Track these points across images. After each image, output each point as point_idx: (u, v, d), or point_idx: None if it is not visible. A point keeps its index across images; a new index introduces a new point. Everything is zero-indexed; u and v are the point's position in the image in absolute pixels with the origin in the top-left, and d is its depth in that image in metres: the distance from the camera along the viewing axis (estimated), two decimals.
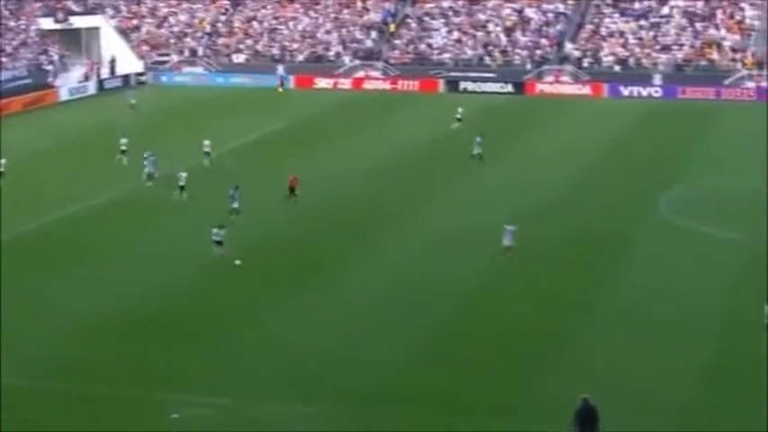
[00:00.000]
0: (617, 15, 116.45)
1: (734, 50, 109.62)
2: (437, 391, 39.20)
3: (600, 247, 56.41)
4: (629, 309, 47.66)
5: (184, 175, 65.53)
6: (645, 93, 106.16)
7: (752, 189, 68.22)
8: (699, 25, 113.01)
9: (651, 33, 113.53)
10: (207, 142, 75.30)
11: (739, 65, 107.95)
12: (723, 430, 36.50)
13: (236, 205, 60.37)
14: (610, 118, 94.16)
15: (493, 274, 52.04)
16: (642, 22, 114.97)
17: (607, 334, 44.86)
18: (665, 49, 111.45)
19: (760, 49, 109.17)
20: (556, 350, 43.05)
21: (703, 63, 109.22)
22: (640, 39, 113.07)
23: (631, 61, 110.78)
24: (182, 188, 65.02)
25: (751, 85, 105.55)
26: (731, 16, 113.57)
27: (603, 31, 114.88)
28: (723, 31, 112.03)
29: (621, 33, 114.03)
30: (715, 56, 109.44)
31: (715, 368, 41.23)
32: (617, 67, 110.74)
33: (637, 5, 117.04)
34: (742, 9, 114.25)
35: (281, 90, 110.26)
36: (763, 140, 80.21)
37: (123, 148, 75.57)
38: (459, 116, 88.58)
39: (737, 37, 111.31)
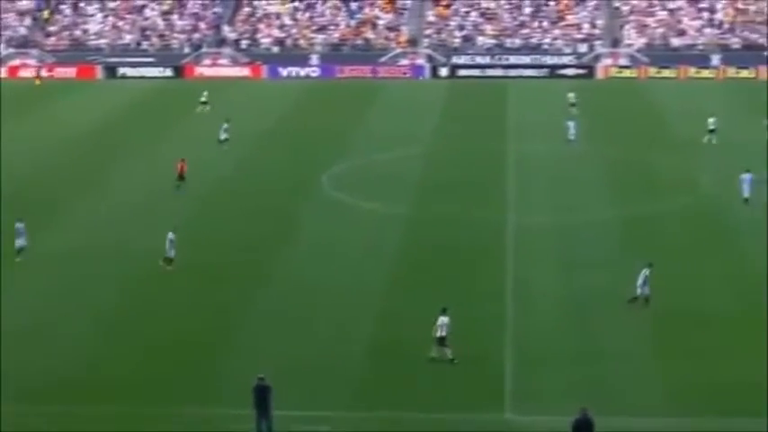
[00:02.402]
0: None
1: (388, 29, 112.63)
2: (119, 382, 38.89)
3: (267, 225, 56.98)
4: (298, 284, 48.44)
5: None
6: (303, 73, 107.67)
7: (410, 163, 70.40)
8: (353, 5, 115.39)
9: (307, 14, 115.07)
10: None
11: (393, 43, 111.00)
12: (391, 399, 37.75)
13: (22, 243, 51.24)
14: (271, 98, 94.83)
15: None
16: (298, 4, 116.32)
17: (279, 310, 45.49)
18: (322, 29, 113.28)
19: (413, 28, 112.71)
20: (231, 328, 43.46)
21: (359, 42, 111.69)
22: (296, 20, 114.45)
23: (289, 42, 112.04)
24: None
25: (405, 62, 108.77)
26: None
27: (260, 12, 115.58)
28: (377, 11, 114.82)
29: (278, 15, 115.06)
30: (370, 35, 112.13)
31: (380, 340, 42.41)
32: (275, 49, 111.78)
33: None
34: None
35: (38, 82, 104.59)
36: (418, 114, 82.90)
37: None
38: (204, 99, 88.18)
39: (391, 16, 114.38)
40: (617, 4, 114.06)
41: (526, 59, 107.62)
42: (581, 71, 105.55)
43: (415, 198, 62.39)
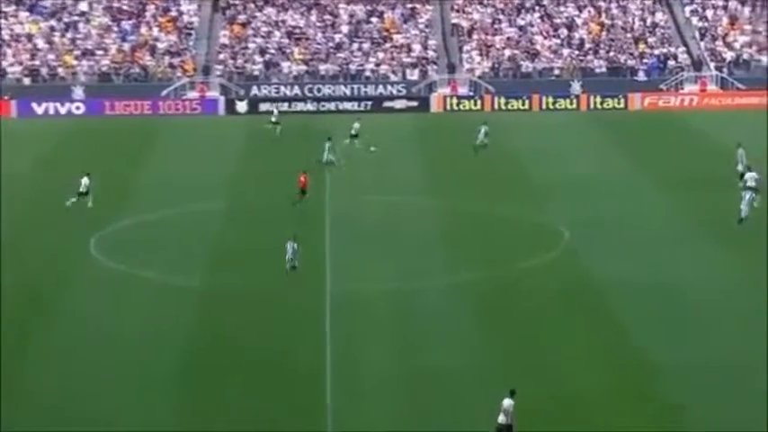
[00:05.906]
0: (23, 14, 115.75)
1: (171, 54, 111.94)
2: None
3: (11, 307, 55.31)
4: (57, 378, 47.49)
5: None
6: (64, 110, 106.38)
7: (203, 221, 70.25)
8: (126, 24, 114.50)
9: (68, 36, 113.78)
10: None
11: (178, 72, 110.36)
12: None
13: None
14: (21, 142, 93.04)
15: None
16: (55, 23, 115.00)
17: (41, 404, 44.58)
18: (87, 54, 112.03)
19: (202, 52, 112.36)
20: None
21: (135, 71, 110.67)
22: (53, 43, 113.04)
23: (45, 71, 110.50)
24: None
25: (194, 95, 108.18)
26: (165, 12, 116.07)
27: (6, 34, 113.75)
28: (156, 31, 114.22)
29: (30, 37, 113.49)
30: (149, 61, 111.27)
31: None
32: (27, 80, 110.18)
33: (48, 2, 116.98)
34: (177, 3, 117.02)
35: None
36: (211, 160, 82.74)
37: None
38: (274, 119, 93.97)
39: (174, 37, 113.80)
40: (454, 21, 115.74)
41: (344, 90, 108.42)
42: (412, 103, 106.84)
43: (211, 264, 62.04)
